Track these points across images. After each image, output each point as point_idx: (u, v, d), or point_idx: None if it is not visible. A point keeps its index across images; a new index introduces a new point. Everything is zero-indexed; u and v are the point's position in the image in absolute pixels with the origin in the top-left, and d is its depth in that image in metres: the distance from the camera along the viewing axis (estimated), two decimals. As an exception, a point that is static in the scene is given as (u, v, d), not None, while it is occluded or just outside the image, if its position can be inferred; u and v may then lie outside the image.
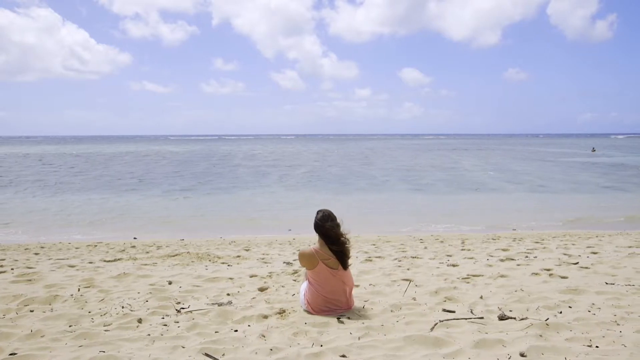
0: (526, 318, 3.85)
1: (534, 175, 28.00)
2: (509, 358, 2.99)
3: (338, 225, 4.17)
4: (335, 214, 4.33)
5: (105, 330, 3.66)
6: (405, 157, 50.27)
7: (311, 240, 10.37)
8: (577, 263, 6.63)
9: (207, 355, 3.05)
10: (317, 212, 4.27)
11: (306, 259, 4.17)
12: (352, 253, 8.38)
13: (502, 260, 7.15)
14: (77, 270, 6.66)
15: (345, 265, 4.17)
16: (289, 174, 29.95)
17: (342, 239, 4.15)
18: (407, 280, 5.61)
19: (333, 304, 4.16)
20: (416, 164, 38.50)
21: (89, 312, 4.21)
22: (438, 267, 6.59)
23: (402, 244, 9.86)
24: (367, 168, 34.74)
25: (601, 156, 48.32)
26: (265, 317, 4.09)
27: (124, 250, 9.37)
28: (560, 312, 4.06)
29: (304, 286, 4.37)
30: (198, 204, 18.14)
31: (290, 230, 12.33)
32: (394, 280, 5.60)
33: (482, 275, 5.87)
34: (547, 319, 3.77)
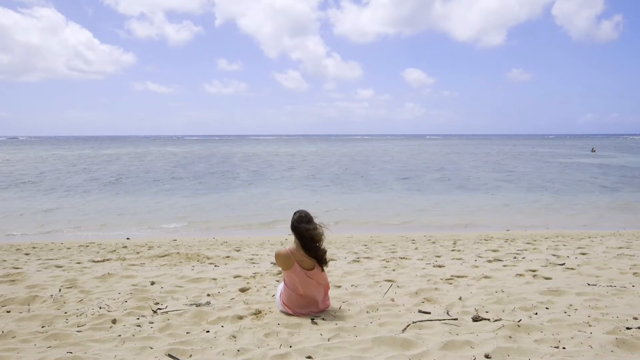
0: (500, 319, 3.84)
1: (533, 176, 27.97)
2: (474, 359, 2.98)
3: (315, 227, 4.15)
4: (318, 215, 4.30)
5: (77, 331, 3.66)
6: (404, 157, 50.25)
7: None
8: (563, 264, 6.61)
9: (170, 356, 3.05)
10: (294, 213, 4.26)
11: (282, 259, 4.16)
12: (342, 254, 8.45)
13: (489, 261, 7.13)
14: (64, 270, 6.67)
15: (321, 266, 4.16)
16: (287, 175, 29.96)
17: (317, 244, 4.12)
18: (390, 281, 5.60)
19: (308, 304, 4.15)
20: (415, 165, 38.47)
21: (65, 312, 4.21)
22: (424, 268, 6.58)
23: (393, 245, 9.85)
24: (366, 168, 34.74)
25: (601, 157, 48.29)
26: (240, 317, 4.09)
27: (114, 251, 9.38)
28: (536, 314, 4.05)
29: (280, 287, 4.37)
30: (194, 204, 18.16)
31: None
32: (377, 281, 5.59)
33: (466, 277, 5.85)
34: (520, 320, 3.76)
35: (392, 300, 4.64)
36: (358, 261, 7.47)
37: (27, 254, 8.88)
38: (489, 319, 3.86)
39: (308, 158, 50.04)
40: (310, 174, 30.47)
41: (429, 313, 4.12)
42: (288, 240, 11.04)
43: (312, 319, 3.97)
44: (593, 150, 60.34)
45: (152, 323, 3.91)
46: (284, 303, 4.21)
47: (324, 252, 4.20)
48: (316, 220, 4.20)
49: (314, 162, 43.30)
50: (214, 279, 5.84)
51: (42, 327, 3.78)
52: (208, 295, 5.01)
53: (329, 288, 4.36)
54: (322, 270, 4.19)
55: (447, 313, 4.12)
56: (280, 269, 6.38)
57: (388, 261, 7.39)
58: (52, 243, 10.84)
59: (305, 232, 4.07)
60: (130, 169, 35.11)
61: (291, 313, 4.15)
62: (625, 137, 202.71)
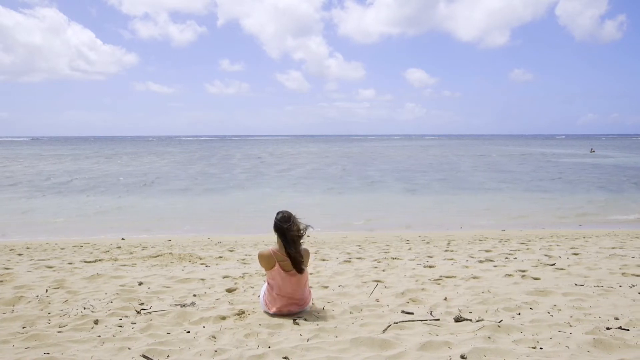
0: (482, 320, 3.83)
1: (530, 176, 27.95)
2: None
3: (296, 228, 4.14)
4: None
5: (58, 332, 3.66)
6: (404, 157, 50.23)
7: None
8: (553, 264, 6.61)
9: (144, 357, 3.04)
10: (277, 213, 4.26)
11: (264, 259, 4.16)
12: (335, 254, 8.44)
13: (480, 262, 7.12)
14: (54, 271, 6.66)
15: (299, 270, 4.14)
16: (286, 175, 29.98)
17: (298, 245, 4.12)
18: (377, 281, 5.59)
19: (291, 304, 4.15)
20: (414, 165, 38.47)
21: (49, 313, 4.21)
22: (414, 269, 6.57)
23: (387, 245, 9.82)
24: (365, 168, 34.75)
25: (599, 157, 48.36)
26: (223, 318, 4.08)
27: (108, 251, 9.37)
28: (519, 314, 4.04)
29: (263, 287, 4.37)
30: (191, 204, 18.18)
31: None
32: (365, 282, 5.58)
33: (455, 277, 5.84)
34: (501, 320, 3.75)
35: (377, 300, 4.64)
36: (349, 262, 7.46)
37: (20, 255, 8.88)
38: (470, 320, 3.85)
39: (307, 158, 50.07)
40: (309, 174, 30.49)
41: (412, 314, 4.11)
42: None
43: (294, 320, 3.97)
44: (592, 151, 60.39)
45: (134, 324, 3.91)
46: (266, 304, 4.20)
47: (304, 254, 4.18)
48: (300, 221, 4.20)
49: (313, 162, 43.32)
50: (203, 280, 5.84)
51: (23, 327, 3.78)
52: (194, 295, 5.00)
53: (309, 288, 4.36)
54: (301, 273, 4.17)
55: (431, 313, 4.12)
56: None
57: (379, 261, 7.37)
58: (47, 243, 10.83)
59: (287, 232, 4.07)
60: (129, 169, 35.14)
61: (274, 313, 4.15)
62: (634, 137, 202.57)
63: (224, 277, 6.01)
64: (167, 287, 5.45)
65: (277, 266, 4.12)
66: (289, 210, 4.35)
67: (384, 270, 6.42)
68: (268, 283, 4.24)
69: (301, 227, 4.18)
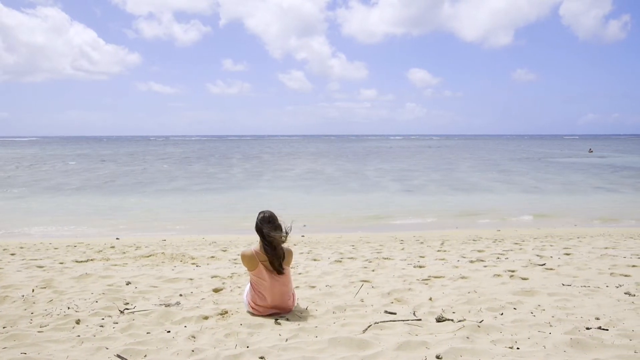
0: (464, 320, 3.82)
1: (528, 176, 27.94)
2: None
3: (277, 229, 4.13)
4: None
5: (38, 332, 3.65)
6: (403, 158, 50.24)
7: (296, 240, 10.35)
8: (544, 264, 6.59)
9: (119, 357, 3.04)
10: (259, 214, 4.26)
11: (246, 260, 4.16)
12: (327, 254, 8.43)
13: (471, 262, 7.11)
14: (44, 270, 6.67)
15: (280, 270, 4.13)
16: (284, 175, 29.99)
17: (279, 244, 4.11)
18: (365, 281, 5.59)
19: (274, 305, 4.14)
20: (411, 165, 38.47)
21: (32, 313, 4.20)
22: (403, 269, 6.56)
23: (380, 245, 9.82)
24: (362, 169, 34.75)
25: (596, 157, 48.54)
26: (206, 318, 4.07)
27: (101, 251, 9.37)
28: (502, 314, 4.03)
29: (247, 287, 4.37)
30: (188, 203, 18.19)
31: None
32: (352, 282, 5.57)
33: (443, 277, 5.83)
34: (482, 320, 3.74)
35: (362, 300, 4.63)
36: (340, 262, 7.45)
37: (12, 254, 8.88)
38: (452, 320, 3.84)
39: (307, 158, 50.10)
40: (308, 174, 30.51)
41: (395, 314, 4.10)
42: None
43: (276, 320, 3.96)
44: (590, 151, 60.57)
45: (116, 323, 3.91)
46: (249, 303, 4.20)
47: (284, 255, 4.17)
48: (282, 222, 4.19)
49: (313, 162, 43.34)
50: (191, 279, 5.84)
51: (4, 327, 3.78)
52: (180, 295, 5.00)
53: (292, 288, 4.35)
54: (284, 272, 4.16)
55: (414, 314, 4.10)
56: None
57: (370, 261, 7.36)
58: (41, 243, 10.83)
59: (267, 234, 4.07)
60: (127, 169, 35.17)
61: (257, 313, 4.14)
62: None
63: (212, 277, 6.01)
64: (155, 286, 5.44)
65: (260, 266, 4.11)
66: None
67: (373, 271, 6.41)
68: (251, 283, 4.24)
69: (284, 229, 4.17)
